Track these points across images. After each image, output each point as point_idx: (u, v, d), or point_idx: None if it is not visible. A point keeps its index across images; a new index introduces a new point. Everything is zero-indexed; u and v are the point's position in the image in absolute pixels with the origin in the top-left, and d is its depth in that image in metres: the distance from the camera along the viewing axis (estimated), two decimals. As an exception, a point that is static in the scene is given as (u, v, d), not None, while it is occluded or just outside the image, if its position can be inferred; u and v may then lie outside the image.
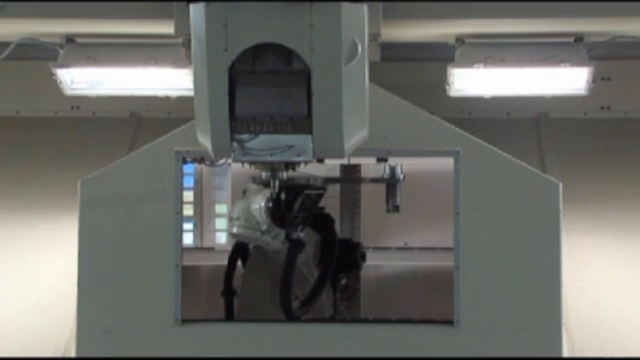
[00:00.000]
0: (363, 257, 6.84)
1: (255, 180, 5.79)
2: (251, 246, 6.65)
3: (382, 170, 6.45)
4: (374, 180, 6.41)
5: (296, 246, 6.09)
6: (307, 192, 5.73)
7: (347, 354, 6.08)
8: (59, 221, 7.56)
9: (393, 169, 6.22)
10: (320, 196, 5.89)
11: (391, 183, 6.30)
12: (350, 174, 7.34)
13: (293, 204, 5.79)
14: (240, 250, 6.71)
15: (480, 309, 6.07)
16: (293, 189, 5.72)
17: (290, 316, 6.14)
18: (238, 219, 6.13)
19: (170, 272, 6.13)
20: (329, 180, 6.12)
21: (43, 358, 6.89)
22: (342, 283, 6.85)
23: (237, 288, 6.70)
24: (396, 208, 6.26)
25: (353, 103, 4.61)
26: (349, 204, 7.46)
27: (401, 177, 6.23)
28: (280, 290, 6.11)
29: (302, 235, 6.10)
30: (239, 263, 6.74)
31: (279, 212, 5.80)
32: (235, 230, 6.16)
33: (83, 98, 7.63)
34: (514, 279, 6.07)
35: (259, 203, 5.98)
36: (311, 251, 6.50)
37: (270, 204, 5.83)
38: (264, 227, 6.00)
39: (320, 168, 7.17)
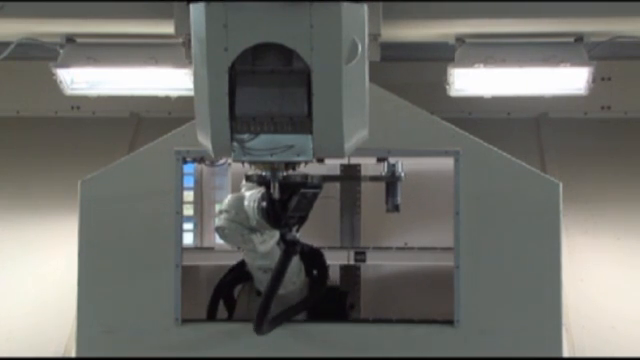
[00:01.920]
0: (352, 306, 6.73)
1: (249, 178, 5.62)
2: (236, 294, 6.52)
3: (382, 168, 6.30)
4: (373, 178, 6.31)
5: (291, 247, 5.81)
6: (303, 190, 5.39)
7: (347, 354, 6.08)
8: (59, 221, 7.56)
9: (393, 167, 6.08)
10: (316, 195, 5.55)
11: (391, 181, 6.14)
12: (350, 174, 7.35)
13: (288, 203, 5.42)
14: (224, 294, 6.56)
15: (480, 309, 6.07)
16: (288, 187, 5.35)
17: (259, 327, 5.82)
18: (227, 212, 5.79)
19: (170, 272, 6.13)
20: (327, 178, 5.93)
21: (43, 358, 6.89)
22: None
23: None
24: (396, 207, 6.10)
25: (353, 103, 4.60)
26: (349, 204, 7.46)
27: (402, 175, 6.08)
28: (264, 294, 5.78)
29: (298, 236, 5.85)
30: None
31: (274, 211, 5.43)
32: (222, 222, 5.78)
33: (83, 98, 7.63)
34: (514, 279, 6.07)
35: (253, 198, 5.66)
36: (297, 289, 6.28)
37: (264, 203, 5.47)
38: (253, 223, 5.69)
39: (320, 168, 7.18)
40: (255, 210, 5.59)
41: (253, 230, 5.76)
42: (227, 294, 6.58)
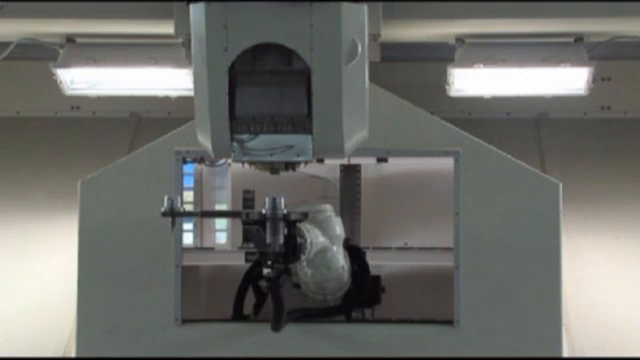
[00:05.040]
0: (383, 290, 6.69)
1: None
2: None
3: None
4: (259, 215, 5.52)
5: (268, 282, 5.27)
6: (245, 227, 5.20)
7: (347, 354, 6.08)
8: (59, 221, 7.56)
9: (274, 201, 5.01)
10: (259, 231, 5.11)
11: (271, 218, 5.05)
12: (350, 174, 7.35)
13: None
14: (252, 277, 6.42)
15: (480, 309, 6.07)
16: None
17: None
18: None
19: (170, 272, 6.13)
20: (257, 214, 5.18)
21: (43, 358, 6.89)
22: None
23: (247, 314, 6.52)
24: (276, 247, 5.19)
25: (353, 103, 4.61)
26: (349, 204, 7.46)
27: (283, 212, 5.05)
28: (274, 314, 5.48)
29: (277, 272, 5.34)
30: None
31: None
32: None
33: (83, 98, 7.63)
34: (514, 279, 6.07)
35: None
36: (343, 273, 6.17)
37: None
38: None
39: (320, 168, 7.20)
40: None
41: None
42: (256, 276, 6.34)
